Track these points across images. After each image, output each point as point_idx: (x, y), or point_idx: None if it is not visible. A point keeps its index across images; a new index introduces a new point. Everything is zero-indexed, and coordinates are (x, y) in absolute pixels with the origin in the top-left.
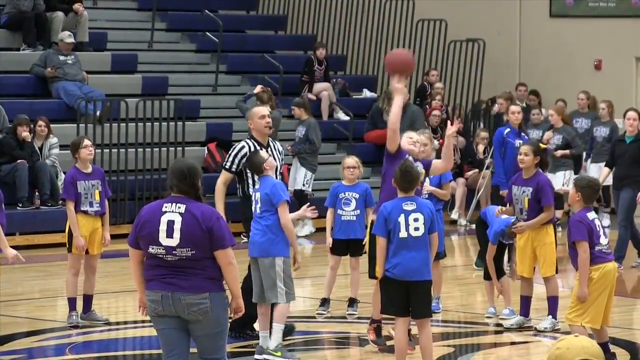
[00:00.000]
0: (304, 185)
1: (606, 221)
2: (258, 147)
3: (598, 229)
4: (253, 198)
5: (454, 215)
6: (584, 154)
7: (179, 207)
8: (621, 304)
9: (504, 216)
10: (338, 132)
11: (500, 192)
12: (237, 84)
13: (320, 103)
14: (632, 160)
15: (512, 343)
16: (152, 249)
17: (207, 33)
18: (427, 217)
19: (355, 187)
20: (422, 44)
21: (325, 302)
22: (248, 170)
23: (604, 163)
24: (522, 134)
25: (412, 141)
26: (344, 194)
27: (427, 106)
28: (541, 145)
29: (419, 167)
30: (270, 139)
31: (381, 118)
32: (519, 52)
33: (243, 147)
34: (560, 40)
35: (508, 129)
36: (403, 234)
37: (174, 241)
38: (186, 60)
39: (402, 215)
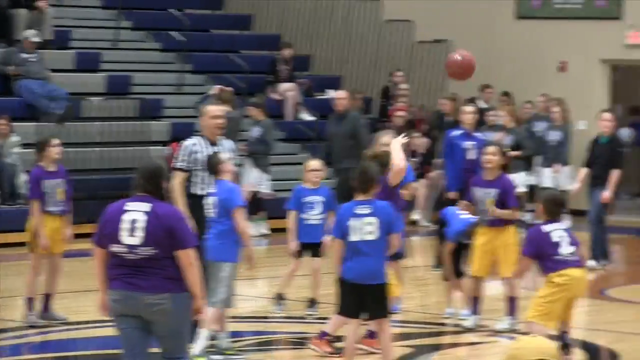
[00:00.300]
0: (259, 186)
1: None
2: (207, 145)
3: (558, 239)
4: (207, 201)
5: (416, 216)
6: (540, 158)
7: (143, 206)
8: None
9: (466, 216)
10: (302, 133)
11: (449, 194)
12: (202, 84)
13: (285, 103)
14: (606, 161)
15: (471, 343)
16: (114, 247)
17: (173, 32)
18: (383, 221)
19: (319, 190)
20: (388, 44)
21: (281, 297)
22: (197, 170)
23: (560, 165)
24: (478, 134)
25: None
26: (308, 197)
27: (392, 107)
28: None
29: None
30: (221, 138)
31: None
32: (485, 53)
33: (194, 144)
34: (526, 41)
35: (460, 131)
36: (354, 237)
37: (136, 240)
38: (151, 59)
39: (352, 220)
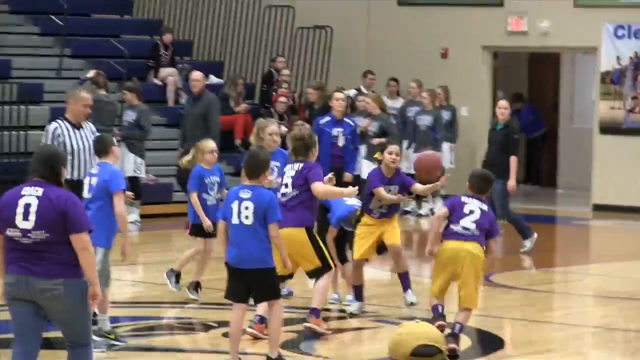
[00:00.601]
0: (135, 171)
1: (429, 206)
2: (71, 129)
3: (464, 212)
4: (85, 182)
5: None
6: (407, 143)
7: (37, 191)
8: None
9: (349, 202)
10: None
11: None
12: (81, 68)
13: (166, 88)
14: (500, 147)
15: (355, 329)
16: (9, 231)
17: (52, 16)
18: (257, 207)
19: (214, 170)
20: (269, 30)
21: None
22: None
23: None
24: (347, 121)
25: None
26: (209, 178)
27: (274, 93)
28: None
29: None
30: (84, 121)
31: (227, 104)
32: (367, 39)
33: (55, 128)
34: (409, 28)
35: (328, 118)
36: (235, 220)
37: (30, 224)
38: (30, 43)
39: (236, 202)
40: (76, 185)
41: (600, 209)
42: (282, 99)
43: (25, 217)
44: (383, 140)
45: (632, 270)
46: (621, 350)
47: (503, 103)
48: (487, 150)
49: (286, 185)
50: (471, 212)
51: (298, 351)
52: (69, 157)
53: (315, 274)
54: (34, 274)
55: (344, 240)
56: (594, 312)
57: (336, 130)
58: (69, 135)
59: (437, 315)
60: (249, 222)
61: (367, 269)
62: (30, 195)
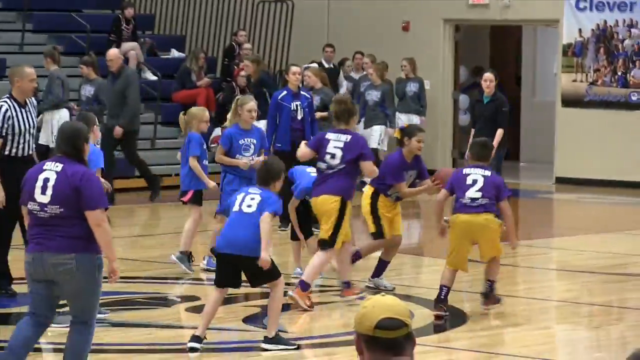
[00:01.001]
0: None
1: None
2: (17, 107)
3: (467, 184)
4: None
5: None
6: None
7: (57, 166)
8: (430, 264)
9: (313, 174)
10: (146, 92)
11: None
12: (43, 43)
13: (127, 62)
14: (492, 120)
15: (318, 303)
16: (30, 205)
17: None
18: (264, 200)
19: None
20: (231, 3)
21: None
22: (15, 134)
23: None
24: (304, 93)
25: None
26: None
27: (235, 67)
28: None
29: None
30: (28, 98)
31: (189, 78)
32: (328, 13)
33: (6, 110)
34: (369, 1)
35: (285, 92)
36: (235, 208)
37: (46, 198)
38: None
39: (242, 194)
40: (23, 161)
41: (562, 182)
42: (244, 72)
43: (43, 191)
44: (325, 114)
45: (595, 243)
46: (585, 324)
47: (489, 75)
48: (470, 122)
49: (332, 156)
50: (474, 181)
51: (261, 326)
52: (17, 137)
53: (321, 244)
54: (47, 249)
55: (309, 214)
56: (558, 286)
57: (294, 104)
58: (17, 115)
59: (440, 298)
60: (250, 210)
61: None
62: (50, 170)
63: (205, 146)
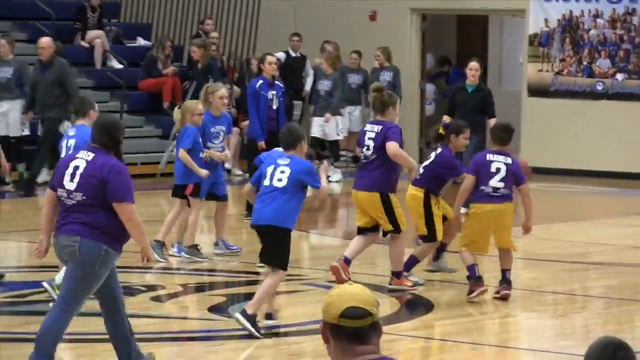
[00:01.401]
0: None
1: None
2: None
3: (491, 171)
4: (62, 144)
5: (227, 165)
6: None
7: (89, 155)
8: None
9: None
10: (112, 81)
11: (258, 143)
12: (7, 31)
13: (93, 51)
14: (475, 109)
15: (287, 292)
16: (59, 191)
17: None
18: (294, 172)
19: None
20: None
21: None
22: None
23: (330, 115)
24: (278, 83)
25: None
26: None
27: None
28: None
29: None
30: None
31: (155, 66)
32: (295, 2)
33: None
34: None
35: (261, 81)
36: (266, 182)
37: (73, 185)
38: None
39: (272, 166)
40: None
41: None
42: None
43: (72, 178)
44: None
45: (560, 232)
46: (550, 312)
47: (474, 64)
48: (451, 111)
49: (368, 148)
50: (498, 170)
51: (227, 315)
52: None
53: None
54: (61, 232)
55: None
56: (523, 275)
57: (270, 93)
58: None
59: (473, 280)
60: (281, 184)
61: (302, 234)
62: (82, 158)
63: (200, 139)
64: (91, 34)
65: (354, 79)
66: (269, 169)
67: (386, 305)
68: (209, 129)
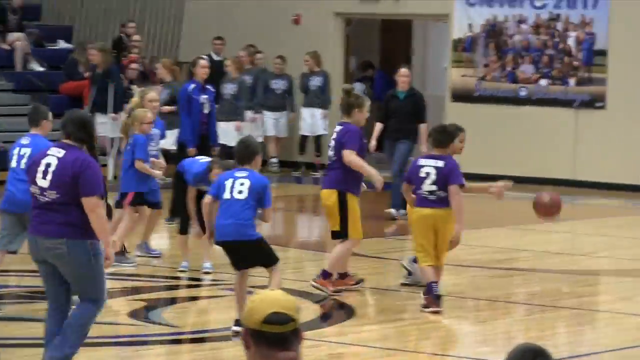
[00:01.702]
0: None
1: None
2: None
3: (423, 176)
4: (14, 152)
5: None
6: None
7: (59, 152)
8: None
9: (202, 160)
10: (32, 84)
11: (188, 149)
12: None
13: (13, 53)
14: (408, 115)
15: (208, 297)
16: (32, 188)
17: None
18: (253, 186)
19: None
20: None
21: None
22: None
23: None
24: (209, 87)
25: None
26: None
27: (124, 58)
28: None
29: None
30: None
31: (76, 69)
32: (218, 5)
33: None
34: None
35: (193, 85)
36: (227, 195)
37: (46, 183)
38: None
39: (231, 180)
40: None
41: None
42: (133, 65)
43: (44, 175)
44: (172, 108)
45: (482, 238)
46: (472, 318)
47: (404, 71)
48: (384, 118)
49: (331, 148)
50: (427, 174)
51: (147, 320)
52: None
53: (333, 235)
54: (41, 234)
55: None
56: (445, 280)
57: (202, 97)
58: None
59: (433, 297)
60: (242, 196)
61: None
62: (53, 155)
63: (148, 148)
64: (12, 36)
65: (278, 85)
66: (228, 183)
67: (307, 311)
68: None
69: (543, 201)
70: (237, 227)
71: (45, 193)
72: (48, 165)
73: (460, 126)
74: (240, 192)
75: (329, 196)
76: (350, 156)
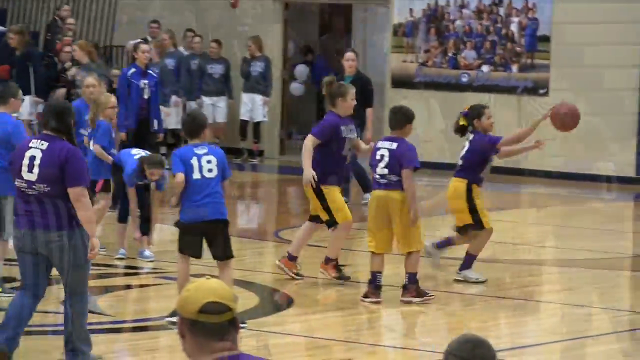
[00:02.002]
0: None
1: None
2: None
3: (376, 159)
4: None
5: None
6: None
7: (42, 144)
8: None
9: (136, 157)
10: None
11: (121, 134)
12: None
13: None
14: (357, 99)
15: (141, 285)
16: (17, 182)
17: None
18: (219, 161)
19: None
20: None
21: None
22: None
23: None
24: (151, 72)
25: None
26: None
27: (58, 41)
28: None
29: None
30: None
31: (6, 51)
32: None
33: None
34: None
35: (133, 69)
36: (196, 175)
37: (33, 176)
38: None
39: (195, 158)
40: None
41: None
42: (67, 48)
43: (30, 169)
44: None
45: (425, 227)
46: (413, 309)
47: (350, 55)
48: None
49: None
50: (381, 156)
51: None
52: None
53: (328, 225)
54: (38, 227)
55: (144, 198)
56: (387, 270)
57: (142, 82)
58: None
59: (373, 286)
60: (212, 175)
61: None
62: (36, 148)
63: (113, 134)
64: None
65: (216, 69)
66: (193, 161)
67: (245, 300)
68: (82, 116)
69: (560, 112)
70: (216, 206)
71: (34, 186)
72: (32, 158)
73: (482, 104)
74: (210, 170)
75: (306, 189)
76: (304, 145)
